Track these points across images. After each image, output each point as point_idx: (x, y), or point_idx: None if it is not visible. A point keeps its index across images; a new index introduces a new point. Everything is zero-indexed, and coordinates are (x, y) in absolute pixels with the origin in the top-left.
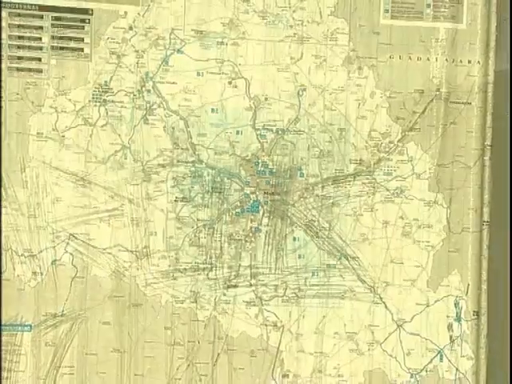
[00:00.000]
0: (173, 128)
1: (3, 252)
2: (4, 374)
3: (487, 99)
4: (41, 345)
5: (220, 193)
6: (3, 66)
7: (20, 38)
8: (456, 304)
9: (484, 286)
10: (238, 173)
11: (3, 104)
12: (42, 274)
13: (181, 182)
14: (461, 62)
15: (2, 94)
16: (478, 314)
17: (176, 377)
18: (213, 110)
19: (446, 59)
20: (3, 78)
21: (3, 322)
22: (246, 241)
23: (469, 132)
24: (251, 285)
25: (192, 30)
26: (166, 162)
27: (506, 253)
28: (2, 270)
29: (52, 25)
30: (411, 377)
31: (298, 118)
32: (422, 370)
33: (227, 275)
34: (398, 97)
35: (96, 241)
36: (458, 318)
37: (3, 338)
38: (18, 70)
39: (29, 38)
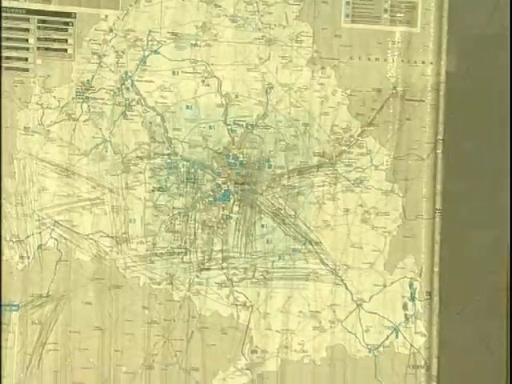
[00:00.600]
0: (150, 123)
1: None
2: None
3: (439, 97)
4: (28, 323)
5: (194, 183)
6: None
7: (8, 39)
8: (410, 285)
9: (436, 269)
10: (210, 164)
11: None
12: (28, 257)
13: (157, 173)
14: (415, 62)
15: None
16: (430, 294)
17: (153, 352)
18: (187, 106)
19: (402, 60)
20: None
21: None
22: (218, 227)
23: (422, 127)
24: (222, 268)
25: (168, 32)
26: (143, 154)
27: (456, 238)
28: None
29: (38, 27)
30: (369, 352)
31: (266, 114)
32: (379, 346)
33: (200, 259)
34: (357, 95)
35: (79, 227)
36: (413, 298)
37: None
38: (6, 69)
39: (16, 40)
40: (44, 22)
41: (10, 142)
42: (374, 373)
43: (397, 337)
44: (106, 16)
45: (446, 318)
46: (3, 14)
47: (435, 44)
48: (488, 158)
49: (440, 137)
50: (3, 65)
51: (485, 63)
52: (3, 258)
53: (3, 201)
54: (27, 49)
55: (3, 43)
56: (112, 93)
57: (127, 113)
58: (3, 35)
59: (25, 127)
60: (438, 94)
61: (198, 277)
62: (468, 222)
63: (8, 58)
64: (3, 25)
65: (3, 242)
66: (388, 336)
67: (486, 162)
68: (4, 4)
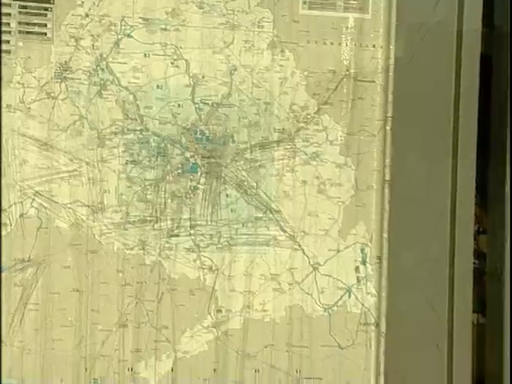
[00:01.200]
0: (123, 101)
1: None
2: None
3: (388, 78)
4: (11, 285)
5: (164, 157)
6: None
7: None
8: (362, 250)
9: (385, 235)
10: (179, 140)
11: None
12: (11, 225)
13: (130, 148)
14: (367, 46)
15: None
16: (380, 258)
17: (126, 312)
18: (158, 86)
19: (355, 44)
20: None
21: None
22: (186, 197)
23: (373, 106)
24: (190, 234)
25: (140, 17)
26: (117, 130)
27: (403, 207)
28: None
29: (19, 12)
30: (324, 311)
31: (230, 93)
32: (333, 306)
33: (170, 226)
34: (314, 76)
35: (58, 197)
36: (364, 262)
37: None
38: None
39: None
40: (25, 7)
41: None
42: (328, 330)
43: (349, 297)
44: (83, 2)
45: (394, 280)
46: None
47: (385, 30)
48: (431, 134)
49: (389, 114)
50: None
51: (430, 48)
52: None
53: None
54: (9, 32)
55: None
56: (88, 73)
57: (102, 92)
58: None
59: (7, 105)
60: (387, 75)
61: (167, 243)
62: (414, 192)
63: None
64: None
65: None
66: (341, 296)
67: (429, 137)
68: None
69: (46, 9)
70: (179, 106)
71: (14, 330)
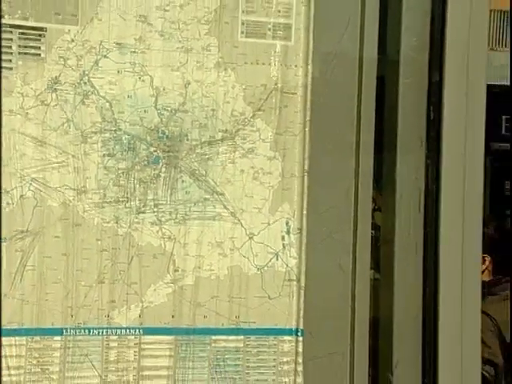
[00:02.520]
0: (101, 108)
1: None
2: None
3: (307, 91)
4: (12, 251)
5: (133, 151)
6: None
7: None
8: (287, 223)
9: (304, 212)
10: (145, 138)
11: None
12: (13, 204)
13: (107, 144)
14: (290, 66)
15: None
16: (300, 230)
17: (104, 272)
18: (128, 96)
19: (281, 64)
20: None
21: None
22: (151, 183)
23: (295, 112)
24: (154, 211)
25: (114, 42)
26: (96, 130)
27: (319, 190)
28: None
29: (19, 38)
30: (258, 270)
31: (184, 102)
32: (264, 266)
33: (138, 205)
34: (249, 89)
35: (50, 182)
36: (288, 232)
37: None
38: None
39: (2, 46)
40: (23, 33)
41: None
42: (261, 285)
43: (277, 259)
44: (69, 30)
45: (311, 246)
46: None
47: (304, 54)
48: (339, 134)
49: (308, 119)
50: None
51: (338, 69)
52: None
53: None
54: (11, 53)
55: None
56: (73, 86)
57: (85, 100)
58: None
59: (9, 110)
60: (306, 89)
61: (136, 218)
62: (326, 179)
63: None
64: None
65: None
66: (271, 259)
67: (338, 136)
68: (7, 20)
69: (40, 35)
70: (145, 111)
71: (15, 286)
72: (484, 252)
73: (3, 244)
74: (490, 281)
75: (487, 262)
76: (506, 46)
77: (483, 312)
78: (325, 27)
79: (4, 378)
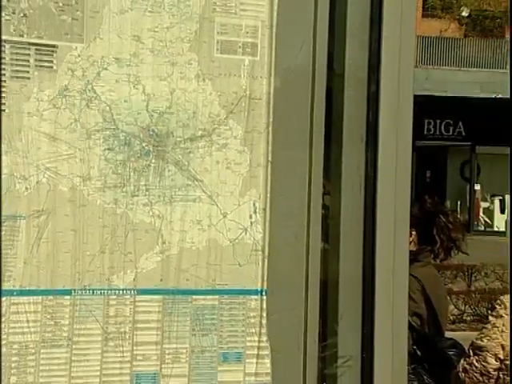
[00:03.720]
0: (103, 110)
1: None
2: (8, 245)
3: (270, 98)
4: (30, 227)
5: (129, 146)
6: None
7: (17, 59)
8: (254, 204)
9: (268, 195)
10: (138, 135)
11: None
12: (31, 188)
13: (107, 139)
14: (256, 77)
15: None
16: (265, 209)
17: (105, 243)
18: (125, 101)
19: (249, 76)
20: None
21: (9, 214)
22: (143, 171)
23: (260, 114)
24: (146, 195)
25: (113, 57)
26: (99, 128)
27: (280, 178)
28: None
29: (35, 53)
30: (230, 242)
31: (170, 105)
32: (235, 239)
33: (132, 190)
34: (223, 95)
35: (61, 171)
36: (255, 212)
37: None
38: (17, 77)
39: (21, 60)
40: (38, 50)
41: (19, 122)
42: (232, 254)
43: (246, 234)
44: (76, 47)
45: (273, 222)
46: (14, 45)
47: (267, 67)
48: (296, 132)
49: (271, 120)
50: (15, 75)
51: (295, 80)
52: (15, 188)
53: (15, 154)
54: (29, 66)
55: (15, 62)
56: (80, 92)
57: (89, 104)
58: (15, 57)
59: (28, 112)
60: (269, 96)
61: (131, 200)
62: (286, 168)
63: (17, 71)
64: (15, 51)
65: (15, 179)
66: (240, 233)
67: (295, 134)
68: (14, 38)
69: (52, 51)
70: (138, 113)
71: (33, 255)
72: (411, 227)
73: (23, 221)
74: (415, 250)
75: (413, 235)
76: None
77: (410, 274)
78: (284, 46)
79: (25, 330)
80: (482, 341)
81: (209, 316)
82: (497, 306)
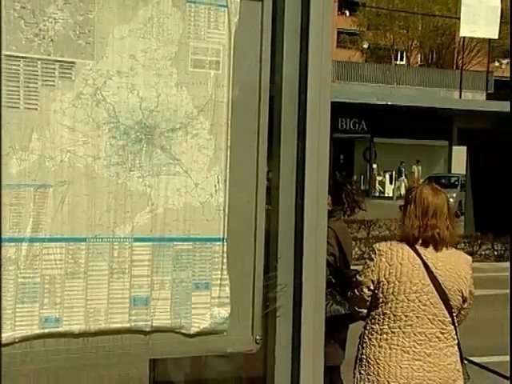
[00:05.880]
0: (108, 109)
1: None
2: (40, 206)
3: (229, 101)
4: (56, 193)
5: (127, 135)
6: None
7: (46, 72)
8: (217, 177)
9: (228, 171)
10: (134, 127)
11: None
12: (56, 165)
13: (111, 130)
14: (220, 86)
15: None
16: (225, 181)
17: (110, 205)
18: (124, 102)
19: (214, 84)
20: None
21: (41, 183)
22: (137, 154)
23: (222, 112)
24: (139, 170)
25: (115, 70)
26: (105, 122)
27: (237, 158)
28: None
29: (59, 67)
30: (200, 204)
31: (157, 105)
32: (204, 202)
33: (130, 166)
34: (195, 98)
35: (78, 153)
36: (218, 182)
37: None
38: (46, 85)
39: (48, 73)
40: (62, 65)
41: (48, 117)
42: (202, 213)
43: (212, 198)
44: (89, 63)
45: (233, 190)
46: (44, 62)
47: (228, 79)
48: (247, 127)
49: (230, 116)
50: (45, 83)
51: (247, 89)
52: (47, 164)
53: (45, 139)
54: (54, 76)
55: (45, 74)
56: (91, 96)
57: (98, 105)
58: (45, 70)
59: (54, 110)
60: (229, 99)
61: (128, 174)
62: (241, 153)
63: (46, 80)
64: (45, 66)
65: (45, 159)
66: (208, 198)
67: (247, 128)
68: (44, 57)
69: (71, 66)
70: (133, 111)
71: (57, 213)
72: (327, 193)
73: (51, 189)
74: (330, 209)
75: (329, 199)
76: (338, 80)
77: (328, 227)
78: (239, 64)
79: (53, 266)
80: (360, 276)
81: (185, 257)
82: (370, 252)
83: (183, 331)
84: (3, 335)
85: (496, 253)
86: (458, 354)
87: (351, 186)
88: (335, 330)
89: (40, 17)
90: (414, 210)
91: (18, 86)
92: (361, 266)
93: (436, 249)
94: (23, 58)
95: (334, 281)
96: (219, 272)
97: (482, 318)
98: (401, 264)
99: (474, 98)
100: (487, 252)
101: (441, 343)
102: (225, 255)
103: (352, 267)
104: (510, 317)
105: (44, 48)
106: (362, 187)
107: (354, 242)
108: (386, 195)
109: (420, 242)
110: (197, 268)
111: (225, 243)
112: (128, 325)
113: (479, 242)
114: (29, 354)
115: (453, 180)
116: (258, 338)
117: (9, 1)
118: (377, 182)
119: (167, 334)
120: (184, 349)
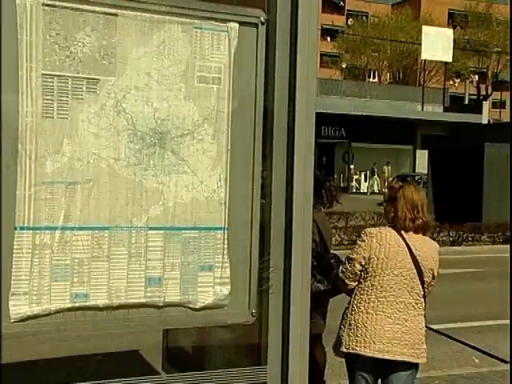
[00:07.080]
0: (127, 118)
1: None
2: (70, 200)
3: (229, 110)
4: (83, 189)
5: (143, 139)
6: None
7: (76, 87)
8: (219, 175)
9: (228, 170)
10: (148, 133)
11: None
12: (83, 165)
13: (130, 136)
14: (221, 98)
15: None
16: (226, 179)
17: (128, 199)
18: (140, 112)
19: (217, 97)
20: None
21: (71, 181)
22: (151, 155)
23: (223, 120)
24: (153, 170)
25: (133, 85)
26: (124, 129)
27: (236, 159)
28: None
29: (86, 83)
30: (205, 199)
31: (168, 115)
32: (208, 197)
33: (145, 166)
34: (200, 109)
35: (101, 155)
36: (220, 180)
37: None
38: (76, 98)
39: (80, 88)
40: (88, 82)
41: (76, 125)
42: (206, 206)
43: (215, 193)
44: (111, 80)
45: (232, 186)
46: (74, 79)
47: (228, 92)
48: (245, 133)
49: (230, 124)
50: (75, 97)
51: (245, 101)
52: (75, 164)
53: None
54: (82, 91)
55: (74, 89)
56: (113, 107)
57: (119, 115)
58: (74, 86)
59: (81, 119)
60: (229, 109)
61: (144, 173)
62: (239, 155)
63: (76, 94)
64: (74, 82)
65: (74, 161)
66: (211, 193)
67: (244, 134)
68: (74, 75)
69: (96, 82)
70: (148, 119)
71: (85, 206)
72: None
73: (79, 186)
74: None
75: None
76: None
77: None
78: (238, 80)
79: (81, 251)
80: (352, 254)
81: (192, 243)
82: (362, 235)
83: (190, 306)
84: (42, 307)
85: (451, 239)
86: (424, 321)
87: (330, 182)
88: (317, 304)
89: (71, 41)
90: (404, 205)
91: (53, 100)
92: (340, 251)
93: (417, 234)
94: (57, 76)
95: (315, 263)
96: (221, 256)
97: (440, 293)
98: (389, 244)
99: (434, 110)
100: (444, 238)
101: (415, 311)
102: (226, 242)
103: (332, 251)
104: (510, 309)
105: (74, 67)
106: (341, 184)
107: (334, 231)
108: (362, 191)
109: (413, 229)
110: (202, 253)
111: (226, 232)
112: (144, 300)
113: (438, 229)
114: (62, 324)
115: (416, 178)
116: (253, 311)
117: (46, 28)
118: (354, 180)
119: (177, 308)
120: (191, 320)
